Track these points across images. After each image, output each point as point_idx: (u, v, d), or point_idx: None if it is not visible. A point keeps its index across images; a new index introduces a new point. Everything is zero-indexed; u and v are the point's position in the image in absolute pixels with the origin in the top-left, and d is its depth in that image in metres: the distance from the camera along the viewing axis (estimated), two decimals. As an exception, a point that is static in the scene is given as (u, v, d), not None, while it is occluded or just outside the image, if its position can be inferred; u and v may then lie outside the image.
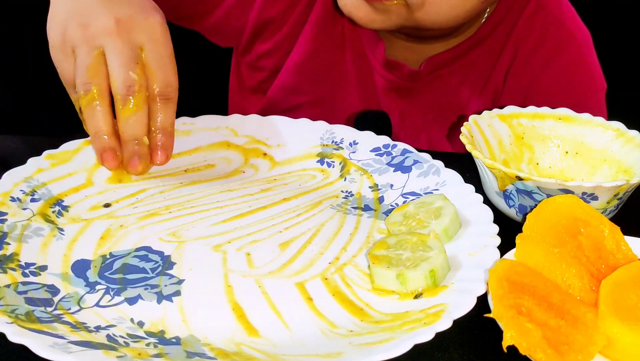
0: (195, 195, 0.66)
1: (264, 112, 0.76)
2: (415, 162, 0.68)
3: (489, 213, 0.59)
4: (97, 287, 0.53)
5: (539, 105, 0.71)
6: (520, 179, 0.58)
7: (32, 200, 0.60)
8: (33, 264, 0.54)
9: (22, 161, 0.63)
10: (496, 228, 0.57)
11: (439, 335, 0.46)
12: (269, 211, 0.64)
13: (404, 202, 0.65)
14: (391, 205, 0.65)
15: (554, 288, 0.50)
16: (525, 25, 0.84)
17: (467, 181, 0.64)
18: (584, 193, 0.58)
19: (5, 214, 0.58)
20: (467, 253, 0.56)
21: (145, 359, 0.45)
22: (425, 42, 0.84)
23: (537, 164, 0.70)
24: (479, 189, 0.64)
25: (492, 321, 0.47)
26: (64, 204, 0.62)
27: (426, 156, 0.68)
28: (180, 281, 0.54)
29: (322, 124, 0.74)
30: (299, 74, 0.88)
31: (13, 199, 0.59)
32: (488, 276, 0.50)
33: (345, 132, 0.73)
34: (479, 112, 0.69)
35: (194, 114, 0.73)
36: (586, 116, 0.69)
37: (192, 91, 0.86)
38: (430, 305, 0.51)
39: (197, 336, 0.49)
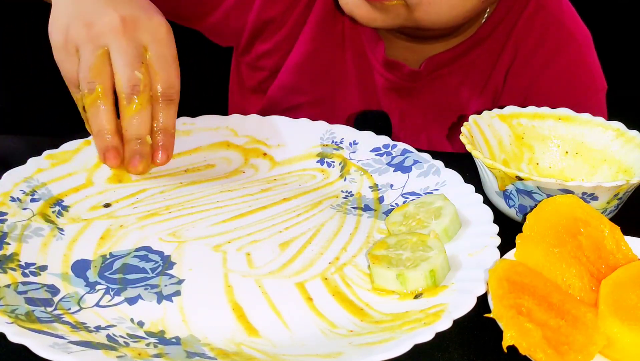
0: (195, 195, 0.66)
1: (264, 112, 0.76)
2: (415, 162, 0.68)
3: (489, 213, 0.59)
4: (97, 287, 0.53)
5: (539, 105, 0.71)
6: (520, 179, 0.58)
7: (32, 200, 0.60)
8: (33, 264, 0.54)
9: (22, 161, 0.63)
10: (496, 228, 0.57)
11: (439, 335, 0.46)
12: (269, 211, 0.64)
13: (404, 202, 0.65)
14: (391, 205, 0.65)
15: (554, 288, 0.50)
16: (525, 25, 0.84)
17: (467, 181, 0.64)
18: (584, 193, 0.58)
19: (5, 214, 0.58)
20: (467, 253, 0.56)
21: (145, 359, 0.45)
22: (425, 42, 0.84)
23: (537, 164, 0.70)
24: (479, 189, 0.64)
25: (492, 321, 0.47)
26: (64, 204, 0.62)
27: (426, 156, 0.68)
28: (180, 281, 0.54)
29: (322, 124, 0.74)
30: (299, 73, 0.88)
31: (13, 199, 0.59)
32: (488, 276, 0.50)
33: (345, 132, 0.73)
34: (479, 112, 0.69)
35: (194, 114, 0.73)
36: (586, 116, 0.69)
37: (192, 91, 0.86)
38: (430, 305, 0.51)
39: (197, 336, 0.49)
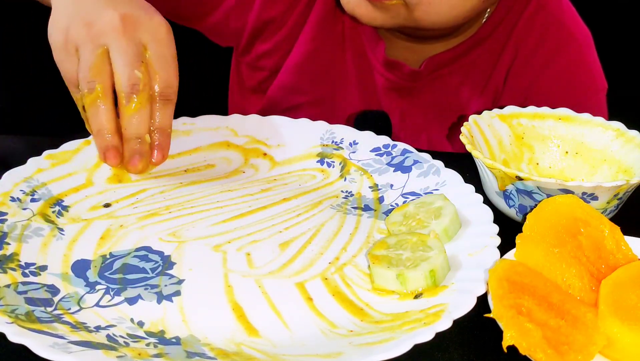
0: (195, 195, 0.66)
1: (264, 112, 0.76)
2: (415, 162, 0.68)
3: (489, 213, 0.59)
4: (97, 287, 0.53)
5: (539, 105, 0.71)
6: (520, 179, 0.58)
7: (32, 200, 0.60)
8: (33, 264, 0.54)
9: (22, 161, 0.63)
10: (496, 228, 0.57)
11: (439, 335, 0.46)
12: (269, 211, 0.64)
13: (404, 202, 0.65)
14: (391, 205, 0.65)
15: (554, 288, 0.50)
16: (525, 25, 0.84)
17: (467, 181, 0.64)
18: (584, 193, 0.58)
19: (5, 214, 0.58)
20: (467, 253, 0.56)
21: (145, 359, 0.45)
22: (425, 42, 0.84)
23: (537, 164, 0.70)
24: (479, 189, 0.64)
25: (492, 321, 0.47)
26: (64, 204, 0.62)
27: (426, 156, 0.68)
28: (180, 281, 0.54)
29: (322, 124, 0.74)
30: (299, 73, 0.88)
31: (13, 199, 0.59)
32: (488, 276, 0.50)
33: (345, 132, 0.73)
34: (479, 112, 0.69)
35: (194, 114, 0.73)
36: (586, 116, 0.69)
37: (192, 91, 0.86)
38: (430, 305, 0.51)
39: (197, 336, 0.49)
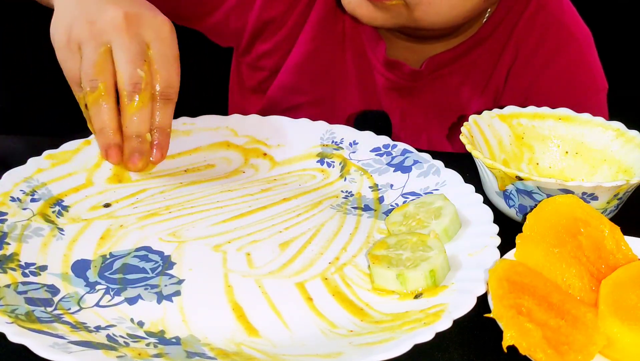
0: (195, 195, 0.66)
1: (264, 112, 0.76)
2: (415, 162, 0.68)
3: (489, 213, 0.59)
4: (97, 287, 0.53)
5: (539, 105, 0.71)
6: (520, 179, 0.58)
7: (32, 200, 0.60)
8: (33, 264, 0.54)
9: (22, 161, 0.63)
10: (496, 228, 0.57)
11: (439, 335, 0.46)
12: (269, 211, 0.64)
13: (404, 202, 0.65)
14: (391, 205, 0.65)
15: (554, 288, 0.50)
16: (526, 25, 0.84)
17: (467, 181, 0.64)
18: (584, 193, 0.58)
19: (5, 214, 0.58)
20: (467, 253, 0.56)
21: (145, 359, 0.45)
22: (425, 42, 0.84)
23: (537, 164, 0.70)
24: (479, 189, 0.64)
25: (492, 321, 0.47)
26: (64, 204, 0.62)
27: (426, 156, 0.68)
28: (180, 281, 0.54)
29: (322, 124, 0.74)
30: (299, 73, 0.88)
31: (13, 199, 0.59)
32: (488, 276, 0.50)
33: (345, 132, 0.73)
34: (480, 113, 0.69)
35: (194, 114, 0.73)
36: (586, 116, 0.69)
37: (192, 91, 0.86)
38: (430, 305, 0.51)
39: (197, 336, 0.49)
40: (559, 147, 0.70)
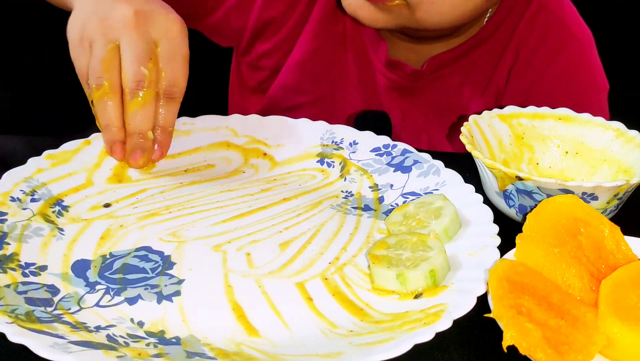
0: (195, 195, 0.66)
1: (264, 112, 0.76)
2: (415, 162, 0.68)
3: (489, 213, 0.59)
4: (97, 287, 0.53)
5: (540, 105, 0.71)
6: (520, 179, 0.58)
7: (32, 200, 0.60)
8: (33, 264, 0.54)
9: (22, 161, 0.63)
10: (496, 228, 0.57)
11: (439, 335, 0.46)
12: (269, 211, 0.64)
13: (404, 202, 0.65)
14: (391, 205, 0.65)
15: (554, 288, 0.50)
16: (527, 25, 0.84)
17: (467, 181, 0.64)
18: (584, 193, 0.58)
19: (5, 214, 0.58)
20: (467, 253, 0.56)
21: (145, 359, 0.45)
22: (426, 42, 0.84)
23: (537, 164, 0.70)
24: (479, 189, 0.64)
25: (492, 321, 0.47)
26: (64, 204, 0.62)
27: (426, 156, 0.68)
28: (180, 281, 0.54)
29: (322, 124, 0.74)
30: (299, 73, 0.88)
31: (13, 199, 0.59)
32: (488, 276, 0.50)
33: (345, 132, 0.73)
34: (480, 113, 0.69)
35: (194, 114, 0.73)
36: (586, 116, 0.69)
37: (192, 91, 0.86)
38: (430, 305, 0.51)
39: (197, 336, 0.49)
40: (559, 147, 0.70)
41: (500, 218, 0.60)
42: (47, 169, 0.63)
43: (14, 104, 1.42)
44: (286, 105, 0.89)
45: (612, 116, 0.70)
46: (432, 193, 0.64)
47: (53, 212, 0.60)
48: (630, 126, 0.68)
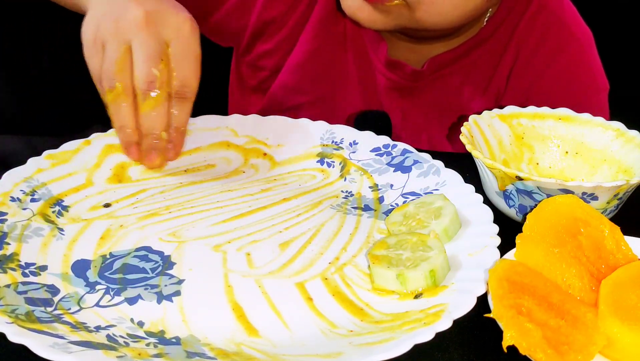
0: (195, 195, 0.66)
1: (265, 112, 0.76)
2: (415, 162, 0.68)
3: (489, 213, 0.59)
4: (97, 287, 0.53)
5: (540, 105, 0.71)
6: (520, 179, 0.58)
7: (32, 200, 0.60)
8: (33, 264, 0.54)
9: (22, 161, 0.63)
10: (496, 228, 0.57)
11: (439, 335, 0.46)
12: (269, 211, 0.64)
13: (404, 202, 0.65)
14: (391, 205, 0.65)
15: (554, 288, 0.50)
16: (527, 25, 0.83)
17: (467, 181, 0.64)
18: (584, 193, 0.58)
19: (5, 214, 0.58)
20: (467, 253, 0.56)
21: (145, 359, 0.45)
22: (426, 42, 0.84)
23: (537, 164, 0.70)
24: (479, 189, 0.64)
25: (492, 321, 0.47)
26: (64, 204, 0.62)
27: (426, 156, 0.68)
28: (180, 281, 0.54)
29: (322, 124, 0.74)
30: (300, 73, 0.88)
31: (13, 199, 0.59)
32: (488, 276, 0.50)
33: (345, 132, 0.73)
34: (480, 113, 0.69)
35: (194, 114, 0.73)
36: (586, 116, 0.69)
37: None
38: (430, 305, 0.51)
39: (197, 336, 0.49)
40: (559, 147, 0.70)
41: (500, 218, 0.60)
42: (47, 169, 0.63)
43: (14, 104, 1.42)
44: (286, 105, 0.89)
45: (612, 116, 0.70)
46: (432, 193, 0.64)
47: (53, 212, 0.60)
48: (630, 126, 0.68)
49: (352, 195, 0.67)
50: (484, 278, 0.51)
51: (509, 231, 0.56)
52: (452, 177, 0.65)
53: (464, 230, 0.59)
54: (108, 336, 0.47)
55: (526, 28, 0.84)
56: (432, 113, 0.87)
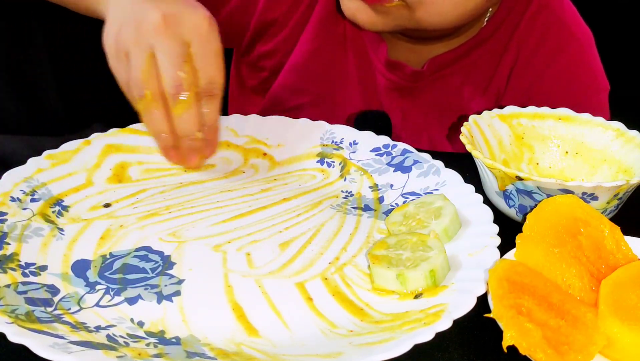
0: (195, 195, 0.66)
1: (265, 113, 0.76)
2: (415, 162, 0.68)
3: (489, 213, 0.59)
4: (97, 287, 0.53)
5: (540, 105, 0.71)
6: (520, 179, 0.58)
7: (32, 200, 0.60)
8: (33, 264, 0.54)
9: (22, 161, 0.63)
10: (496, 228, 0.57)
11: (439, 335, 0.46)
12: (269, 211, 0.64)
13: (404, 202, 0.65)
14: (391, 205, 0.65)
15: (554, 288, 0.50)
16: (527, 25, 0.83)
17: (467, 181, 0.64)
18: (584, 193, 0.58)
19: (5, 214, 0.58)
20: (467, 253, 0.56)
21: (145, 359, 0.45)
22: (426, 43, 0.84)
23: (537, 164, 0.70)
24: (479, 189, 0.64)
25: (492, 321, 0.47)
26: (64, 204, 0.62)
27: (426, 156, 0.68)
28: (180, 281, 0.54)
29: (322, 124, 0.74)
30: (300, 74, 0.88)
31: (13, 199, 0.59)
32: (488, 276, 0.50)
33: (345, 132, 0.73)
34: (480, 113, 0.69)
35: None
36: (586, 116, 0.69)
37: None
38: (430, 305, 0.51)
39: (197, 336, 0.49)
40: (559, 147, 0.70)
41: (500, 218, 0.60)
42: (47, 169, 0.63)
43: (14, 104, 1.42)
44: (286, 105, 0.89)
45: (612, 116, 0.70)
46: (432, 193, 0.64)
47: (53, 212, 0.60)
48: (630, 126, 0.68)
49: (352, 195, 0.67)
50: (484, 278, 0.51)
51: (509, 231, 0.56)
52: (452, 177, 0.65)
53: (464, 230, 0.59)
54: (108, 336, 0.47)
55: (526, 28, 0.84)
56: (432, 113, 0.87)
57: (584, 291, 0.50)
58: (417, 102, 0.87)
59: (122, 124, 0.70)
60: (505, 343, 0.45)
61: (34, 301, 0.50)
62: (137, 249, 0.57)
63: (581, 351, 0.45)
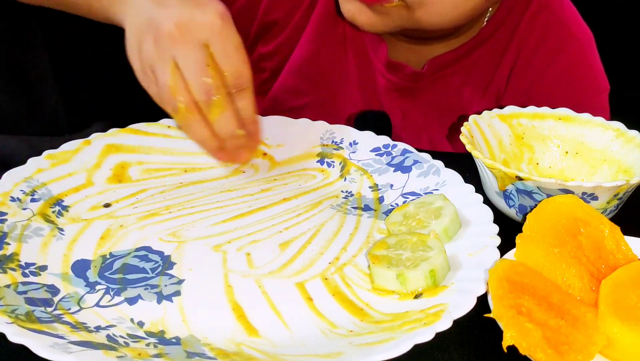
0: (195, 195, 0.66)
1: (265, 113, 0.76)
2: (415, 162, 0.68)
3: (489, 213, 0.59)
4: (97, 287, 0.53)
5: (540, 105, 0.71)
6: (520, 179, 0.58)
7: (32, 200, 0.60)
8: (33, 264, 0.54)
9: (22, 161, 0.63)
10: (496, 228, 0.57)
11: (439, 335, 0.46)
12: (269, 211, 0.64)
13: (404, 202, 0.65)
14: (391, 205, 0.65)
15: (554, 288, 0.50)
16: (527, 25, 0.83)
17: (467, 181, 0.64)
18: (584, 193, 0.58)
19: (5, 214, 0.58)
20: (467, 253, 0.56)
21: (145, 359, 0.45)
22: (426, 43, 0.83)
23: (537, 164, 0.70)
24: (479, 189, 0.64)
25: (492, 321, 0.47)
26: (64, 204, 0.62)
27: (426, 156, 0.68)
28: (180, 281, 0.54)
29: (322, 124, 0.74)
30: (300, 75, 0.88)
31: (13, 199, 0.59)
32: (488, 276, 0.50)
33: (345, 132, 0.73)
34: (480, 113, 0.69)
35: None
36: (586, 116, 0.69)
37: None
38: (430, 305, 0.51)
39: (197, 336, 0.49)
40: (559, 147, 0.70)
41: (500, 218, 0.60)
42: (47, 169, 0.63)
43: (14, 104, 1.42)
44: (287, 106, 0.89)
45: (612, 116, 0.70)
46: (432, 193, 0.64)
47: (53, 212, 0.60)
48: (630, 126, 0.68)
49: (352, 195, 0.67)
50: (484, 278, 0.51)
51: (509, 231, 0.56)
52: (452, 177, 0.65)
53: (464, 230, 0.59)
54: (108, 336, 0.47)
55: (526, 28, 0.84)
56: (432, 113, 0.87)
57: (584, 291, 0.50)
58: (417, 102, 0.87)
59: (122, 124, 0.70)
60: (505, 343, 0.45)
61: (34, 301, 0.50)
62: (137, 249, 0.57)
63: (581, 351, 0.45)
